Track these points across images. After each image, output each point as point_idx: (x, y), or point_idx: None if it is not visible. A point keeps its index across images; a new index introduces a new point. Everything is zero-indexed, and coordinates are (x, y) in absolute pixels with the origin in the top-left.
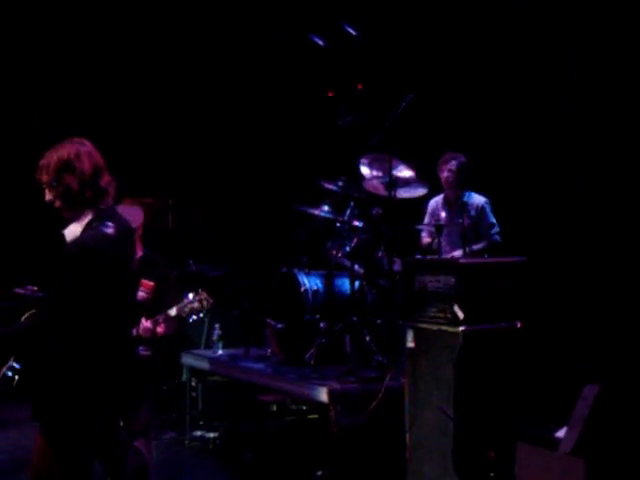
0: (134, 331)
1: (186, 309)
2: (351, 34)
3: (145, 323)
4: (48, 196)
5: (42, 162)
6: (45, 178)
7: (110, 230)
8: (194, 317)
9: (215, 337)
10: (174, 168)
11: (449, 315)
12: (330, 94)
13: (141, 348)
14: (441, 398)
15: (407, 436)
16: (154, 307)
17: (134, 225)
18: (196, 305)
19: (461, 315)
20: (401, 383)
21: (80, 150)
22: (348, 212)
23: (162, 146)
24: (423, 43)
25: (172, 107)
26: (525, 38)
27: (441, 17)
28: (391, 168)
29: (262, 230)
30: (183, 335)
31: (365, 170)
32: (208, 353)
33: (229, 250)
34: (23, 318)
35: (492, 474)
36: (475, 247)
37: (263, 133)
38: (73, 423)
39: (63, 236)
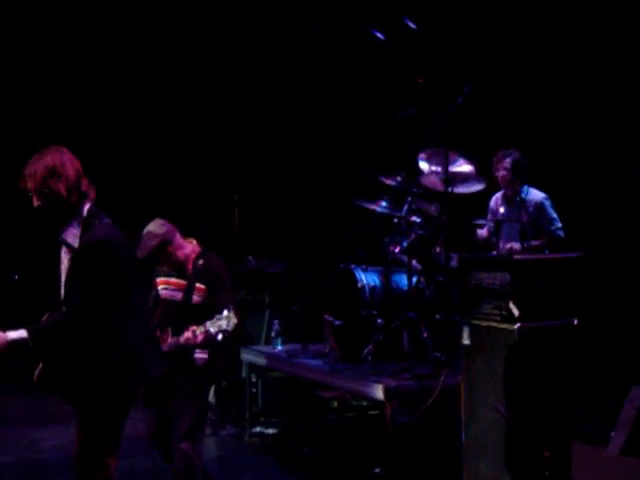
0: (181, 339)
1: (214, 327)
2: (411, 28)
3: (186, 333)
4: (36, 202)
5: (28, 171)
6: (32, 185)
7: (109, 221)
8: (220, 337)
9: (274, 333)
10: (239, 164)
11: (505, 312)
12: (389, 88)
13: (197, 351)
14: (497, 395)
15: (463, 434)
16: (207, 311)
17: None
18: (223, 322)
19: (517, 312)
20: (457, 380)
21: (63, 157)
22: (406, 208)
23: (227, 143)
24: (485, 35)
25: (233, 104)
26: (584, 31)
27: (500, 10)
28: (447, 163)
29: (320, 226)
30: (243, 332)
31: (424, 165)
32: (267, 349)
33: (288, 246)
34: (44, 317)
35: (547, 473)
36: (534, 243)
37: (323, 128)
38: (98, 403)
39: (63, 241)
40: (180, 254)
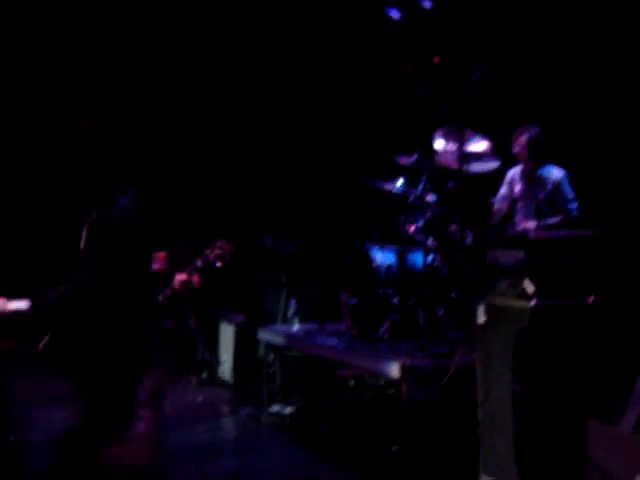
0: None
1: (210, 257)
2: (426, 6)
3: (179, 276)
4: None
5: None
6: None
7: (126, 202)
8: (218, 264)
9: (291, 312)
10: (255, 144)
11: (520, 290)
12: (407, 68)
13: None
14: (512, 373)
15: (479, 411)
16: (168, 275)
17: None
18: (217, 252)
19: (531, 290)
20: (473, 358)
21: None
22: (421, 186)
23: (242, 122)
24: (501, 11)
25: (252, 84)
26: (604, 8)
27: None
28: (463, 141)
29: (336, 205)
30: (261, 310)
31: (440, 143)
32: (284, 328)
33: (304, 225)
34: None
35: (563, 451)
36: (550, 221)
37: (338, 108)
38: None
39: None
40: None
